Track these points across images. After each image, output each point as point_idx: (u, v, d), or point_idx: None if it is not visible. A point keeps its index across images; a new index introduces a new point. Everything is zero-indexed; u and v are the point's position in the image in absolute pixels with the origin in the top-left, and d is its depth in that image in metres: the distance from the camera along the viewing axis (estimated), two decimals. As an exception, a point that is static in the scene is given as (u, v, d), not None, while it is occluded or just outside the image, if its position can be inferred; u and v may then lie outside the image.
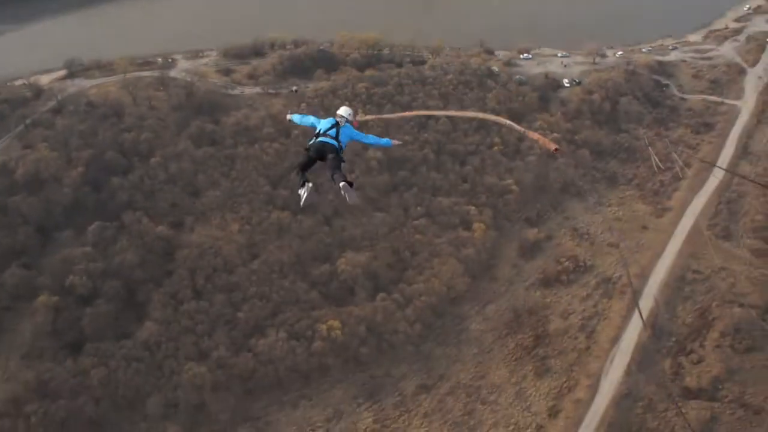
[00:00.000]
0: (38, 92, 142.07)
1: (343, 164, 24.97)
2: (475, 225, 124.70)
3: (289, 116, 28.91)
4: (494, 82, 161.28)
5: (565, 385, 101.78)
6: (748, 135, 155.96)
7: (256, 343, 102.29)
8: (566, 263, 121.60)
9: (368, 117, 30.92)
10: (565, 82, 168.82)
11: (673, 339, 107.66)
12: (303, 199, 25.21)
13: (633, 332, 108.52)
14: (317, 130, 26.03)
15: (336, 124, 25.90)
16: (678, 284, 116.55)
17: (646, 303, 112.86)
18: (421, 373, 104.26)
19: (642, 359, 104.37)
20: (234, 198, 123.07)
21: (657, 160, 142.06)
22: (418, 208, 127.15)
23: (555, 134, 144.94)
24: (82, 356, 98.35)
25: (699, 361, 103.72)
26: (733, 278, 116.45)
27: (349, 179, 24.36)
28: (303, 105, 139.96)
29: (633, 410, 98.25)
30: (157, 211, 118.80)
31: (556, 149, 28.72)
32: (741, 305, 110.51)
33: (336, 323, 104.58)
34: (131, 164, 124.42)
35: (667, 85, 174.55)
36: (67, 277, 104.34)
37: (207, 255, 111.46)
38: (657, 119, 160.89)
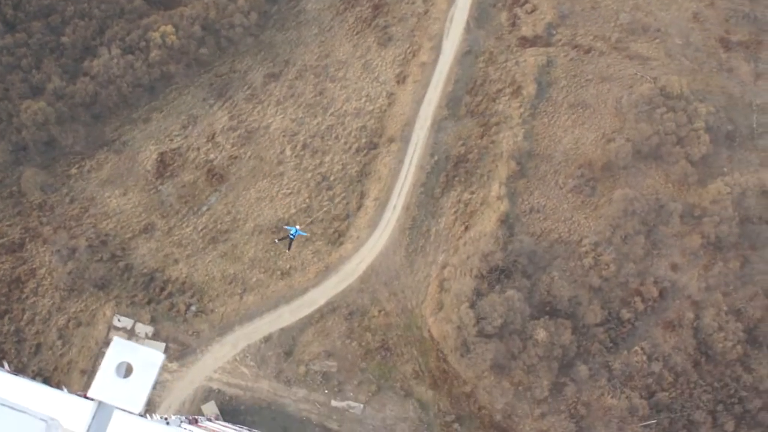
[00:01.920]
0: None
1: (292, 241, 74.58)
2: None
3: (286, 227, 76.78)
4: None
5: (408, 50, 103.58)
6: None
7: (90, 66, 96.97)
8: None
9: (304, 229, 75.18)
10: None
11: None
12: (288, 246, 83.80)
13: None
14: (290, 231, 70.83)
15: (296, 231, 70.15)
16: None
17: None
18: (266, 63, 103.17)
19: (479, 15, 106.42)
20: None
21: None
22: None
23: None
24: None
25: (533, 11, 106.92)
26: None
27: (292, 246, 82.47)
28: None
29: (476, 65, 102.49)
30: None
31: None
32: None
33: (168, 28, 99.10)
34: None
35: None
36: None
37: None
38: None
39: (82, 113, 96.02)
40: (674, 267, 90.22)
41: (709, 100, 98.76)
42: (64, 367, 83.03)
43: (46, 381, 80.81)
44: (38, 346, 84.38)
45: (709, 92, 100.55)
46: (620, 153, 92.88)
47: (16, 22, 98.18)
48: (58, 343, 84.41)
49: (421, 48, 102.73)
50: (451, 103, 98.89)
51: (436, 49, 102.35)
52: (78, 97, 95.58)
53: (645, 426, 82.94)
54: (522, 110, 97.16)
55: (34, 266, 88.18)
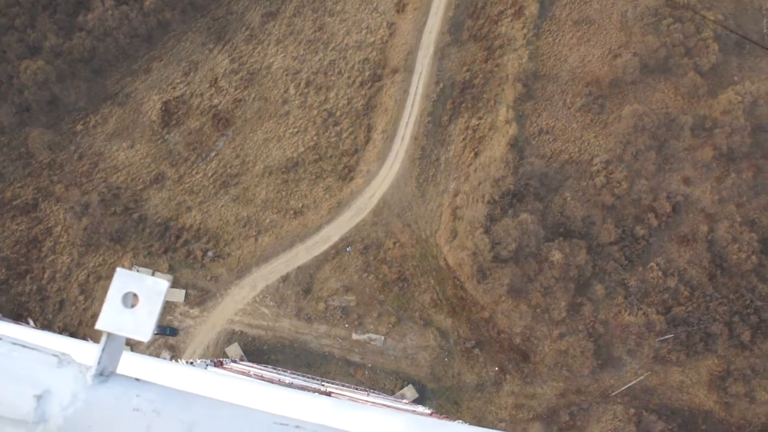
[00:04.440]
0: None
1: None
2: None
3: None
4: None
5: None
6: None
7: (85, 20, 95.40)
8: None
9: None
10: None
11: None
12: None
13: None
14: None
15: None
16: None
17: None
18: (263, 1, 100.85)
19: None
20: None
21: None
22: None
23: None
24: None
25: None
26: None
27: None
28: None
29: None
30: None
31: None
32: None
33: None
34: None
35: None
36: None
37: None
38: None
39: (82, 69, 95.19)
40: (687, 181, 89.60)
41: (716, 7, 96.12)
42: (88, 321, 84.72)
43: (73, 335, 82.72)
44: (61, 302, 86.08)
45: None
46: (628, 68, 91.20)
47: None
48: (81, 298, 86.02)
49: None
50: (453, 29, 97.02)
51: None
52: (76, 52, 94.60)
53: (662, 340, 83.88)
54: (525, 31, 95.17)
55: (49, 225, 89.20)
